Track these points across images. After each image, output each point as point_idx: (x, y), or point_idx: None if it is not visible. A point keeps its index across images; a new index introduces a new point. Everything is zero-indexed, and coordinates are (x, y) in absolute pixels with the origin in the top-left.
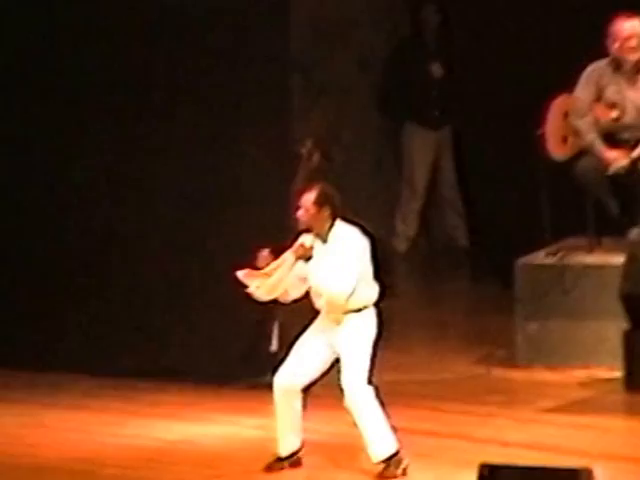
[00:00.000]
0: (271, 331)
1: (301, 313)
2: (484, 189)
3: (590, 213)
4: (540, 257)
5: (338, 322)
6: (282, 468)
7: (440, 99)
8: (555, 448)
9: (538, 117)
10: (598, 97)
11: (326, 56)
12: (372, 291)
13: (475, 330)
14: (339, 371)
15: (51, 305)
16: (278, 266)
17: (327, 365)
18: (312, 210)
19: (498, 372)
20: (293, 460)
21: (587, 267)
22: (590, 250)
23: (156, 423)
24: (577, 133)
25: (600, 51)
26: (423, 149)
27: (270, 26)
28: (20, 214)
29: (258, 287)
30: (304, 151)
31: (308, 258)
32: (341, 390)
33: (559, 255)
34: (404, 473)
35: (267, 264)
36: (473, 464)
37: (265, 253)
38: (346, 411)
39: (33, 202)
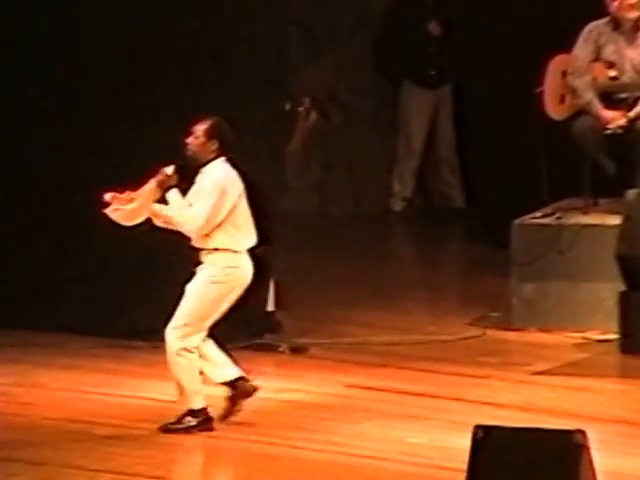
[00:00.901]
0: (267, 291)
1: (297, 272)
2: (481, 149)
3: (587, 174)
4: (537, 218)
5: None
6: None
7: (438, 58)
8: (549, 410)
9: (537, 76)
10: (596, 56)
11: (324, 13)
12: (241, 236)
13: (470, 292)
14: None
15: (43, 264)
16: (141, 194)
17: None
18: (201, 139)
19: (493, 334)
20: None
21: (583, 228)
22: (586, 211)
23: (149, 383)
24: (575, 92)
25: (599, 9)
26: (420, 108)
27: None
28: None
29: (116, 210)
30: (302, 110)
31: (169, 187)
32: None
33: (555, 216)
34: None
35: (164, 181)
36: (467, 426)
37: (166, 170)
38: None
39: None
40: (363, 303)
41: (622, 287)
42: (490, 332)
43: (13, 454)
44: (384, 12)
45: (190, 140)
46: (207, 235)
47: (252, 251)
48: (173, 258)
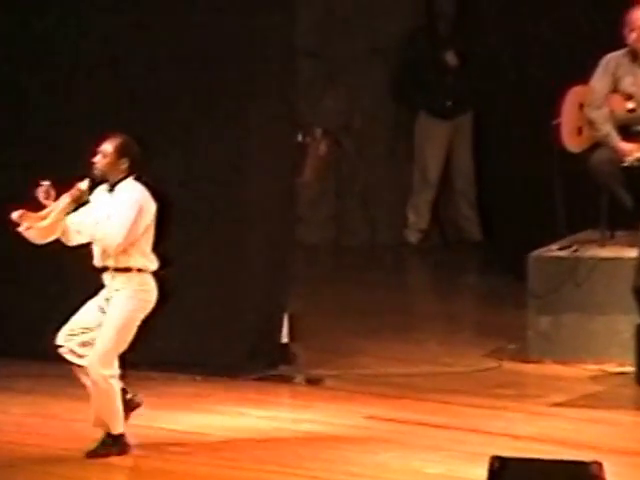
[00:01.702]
0: (281, 322)
1: (312, 303)
2: (498, 180)
3: (604, 206)
4: (553, 250)
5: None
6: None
7: (454, 88)
8: (566, 442)
9: (555, 107)
10: (614, 88)
11: (338, 42)
12: (152, 256)
13: (486, 323)
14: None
15: (61, 295)
16: (53, 209)
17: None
18: (110, 158)
19: (509, 365)
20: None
21: (600, 260)
22: (603, 244)
23: (165, 414)
24: (592, 124)
25: (617, 41)
26: (436, 139)
27: (280, 9)
28: None
29: (29, 228)
30: (311, 140)
31: (83, 203)
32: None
33: (572, 248)
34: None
35: (47, 195)
36: (484, 457)
37: (45, 185)
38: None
39: None
40: (378, 334)
41: (638, 319)
42: (506, 364)
43: None
44: (399, 41)
45: (98, 159)
46: (124, 252)
47: (155, 273)
48: None
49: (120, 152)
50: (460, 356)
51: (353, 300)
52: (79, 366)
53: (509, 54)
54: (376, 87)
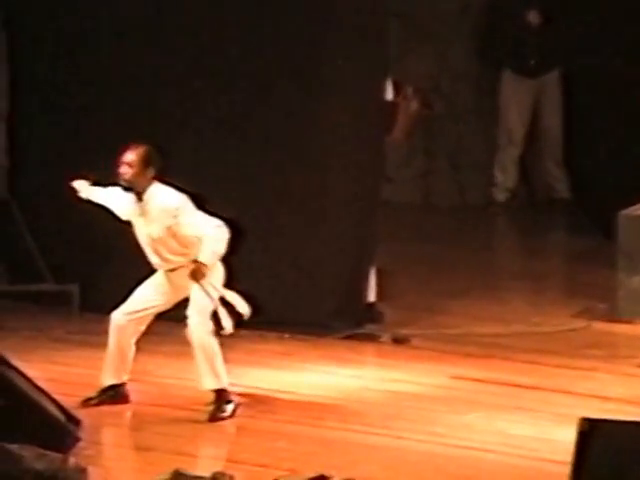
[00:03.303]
0: (368, 282)
1: (399, 262)
2: (587, 138)
3: None
4: None
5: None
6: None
7: (537, 47)
8: None
9: None
10: None
11: (425, 3)
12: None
13: (575, 283)
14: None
15: None
16: None
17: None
18: (137, 169)
19: (599, 326)
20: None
21: None
22: None
23: (252, 372)
24: None
25: None
26: (520, 97)
27: None
28: None
29: None
30: (402, 99)
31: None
32: None
33: None
34: (233, 414)
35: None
36: (572, 419)
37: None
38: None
39: None
40: (465, 294)
41: None
42: (596, 324)
43: (120, 441)
44: (486, 1)
45: (124, 170)
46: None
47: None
48: None
49: (146, 162)
50: (549, 316)
51: (441, 260)
52: None
53: (599, 10)
54: (462, 46)
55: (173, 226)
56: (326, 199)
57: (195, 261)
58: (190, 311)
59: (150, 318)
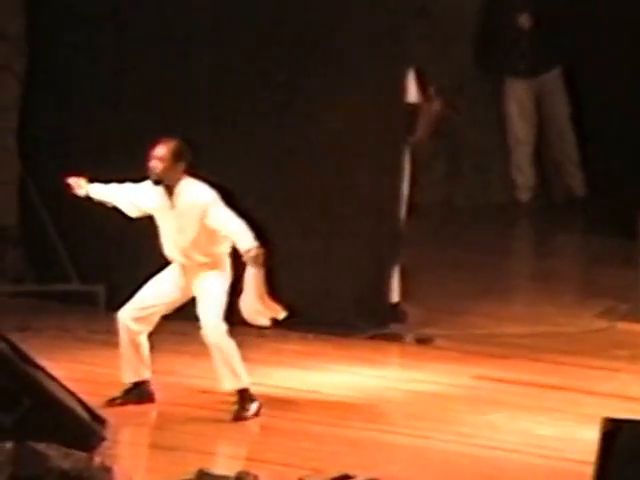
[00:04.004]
0: (392, 281)
1: (423, 262)
2: (604, 137)
3: None
4: None
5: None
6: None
7: (530, 50)
8: None
9: None
10: None
11: (455, 3)
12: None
13: (597, 283)
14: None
15: None
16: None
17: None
18: (168, 163)
19: (623, 326)
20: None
21: None
22: None
23: (277, 371)
24: None
25: None
26: (519, 99)
27: None
28: None
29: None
30: (426, 99)
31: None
32: None
33: None
34: (257, 413)
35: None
36: (596, 419)
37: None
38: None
39: None
40: (488, 294)
41: None
42: (619, 324)
43: (145, 440)
44: (480, 6)
45: (155, 164)
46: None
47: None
48: None
49: (176, 156)
50: (572, 316)
51: (464, 260)
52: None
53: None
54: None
55: (204, 220)
56: (351, 200)
57: (248, 251)
58: (202, 314)
59: (158, 315)
